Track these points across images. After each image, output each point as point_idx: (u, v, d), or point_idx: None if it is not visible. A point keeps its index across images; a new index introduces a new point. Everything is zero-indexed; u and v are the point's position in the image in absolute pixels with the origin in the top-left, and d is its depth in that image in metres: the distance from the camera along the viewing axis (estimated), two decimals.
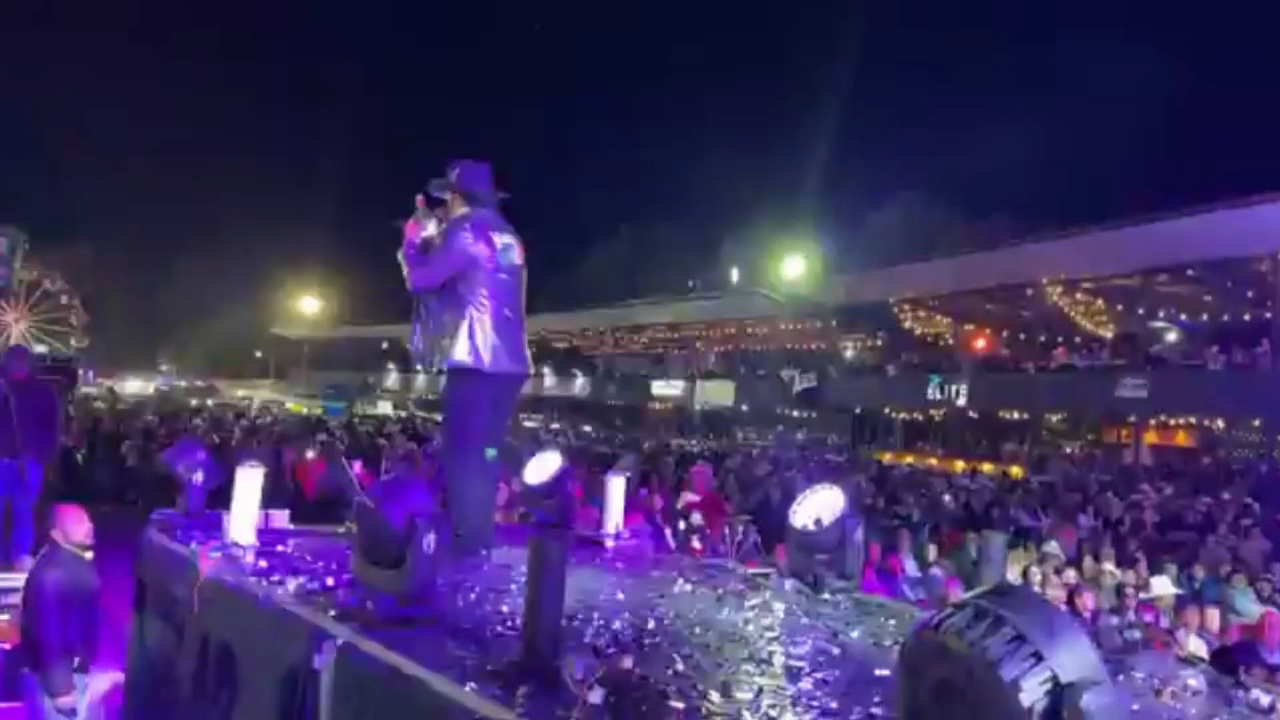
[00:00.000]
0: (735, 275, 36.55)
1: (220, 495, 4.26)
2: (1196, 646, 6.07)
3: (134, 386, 49.36)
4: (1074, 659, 1.35)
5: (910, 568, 8.54)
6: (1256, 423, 22.65)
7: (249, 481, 3.99)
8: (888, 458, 25.43)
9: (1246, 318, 22.74)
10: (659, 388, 39.23)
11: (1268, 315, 21.76)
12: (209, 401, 36.09)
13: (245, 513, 3.98)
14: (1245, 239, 18.20)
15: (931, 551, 9.45)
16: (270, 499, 4.58)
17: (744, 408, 36.26)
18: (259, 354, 65.28)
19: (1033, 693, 1.31)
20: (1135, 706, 2.64)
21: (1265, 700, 2.73)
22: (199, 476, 4.39)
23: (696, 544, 7.51)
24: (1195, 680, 2.89)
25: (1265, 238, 18.04)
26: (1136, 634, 3.14)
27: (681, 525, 8.22)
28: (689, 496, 9.18)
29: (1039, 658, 1.34)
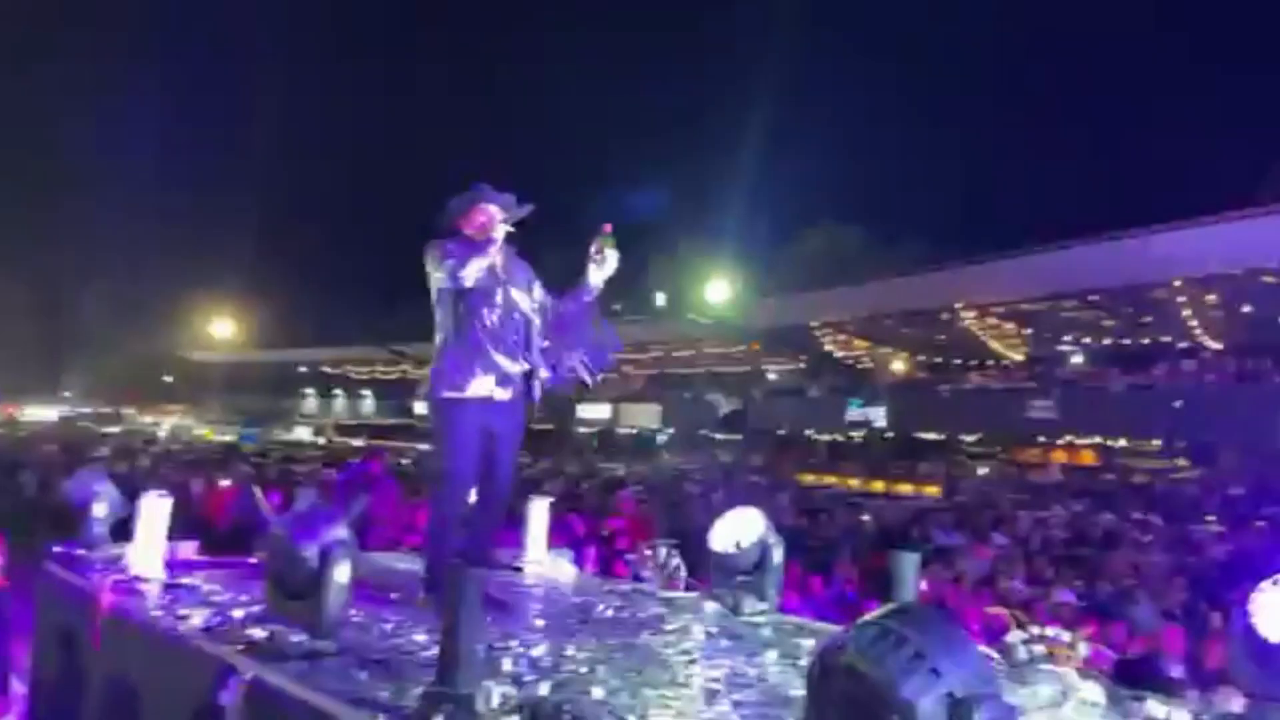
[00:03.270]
0: (661, 299, 36.79)
1: (125, 526, 4.12)
2: (1101, 661, 6.28)
3: (35, 413, 47.30)
4: (969, 674, 1.40)
5: (832, 588, 8.65)
6: (1156, 441, 23.66)
7: (155, 511, 3.87)
8: (810, 479, 25.80)
9: (1145, 341, 23.81)
10: (584, 411, 39.18)
11: (1164, 339, 22.81)
12: (114, 429, 34.74)
13: (150, 544, 3.85)
14: (1144, 267, 19.08)
15: (852, 572, 9.59)
16: (179, 530, 4.45)
17: (670, 431, 36.45)
18: (168, 378, 63.15)
19: (929, 709, 1.36)
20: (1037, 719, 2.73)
21: (1161, 712, 2.85)
22: (102, 507, 4.23)
23: (620, 568, 7.51)
24: (1095, 693, 3.00)
25: (1162, 266, 18.94)
26: (1040, 648, 3.25)
27: (605, 550, 8.20)
28: (614, 521, 9.18)
29: (936, 674, 1.38)
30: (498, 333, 3.99)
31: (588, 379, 4.34)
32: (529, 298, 4.14)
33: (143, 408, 55.44)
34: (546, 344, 4.17)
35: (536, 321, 4.14)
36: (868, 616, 1.54)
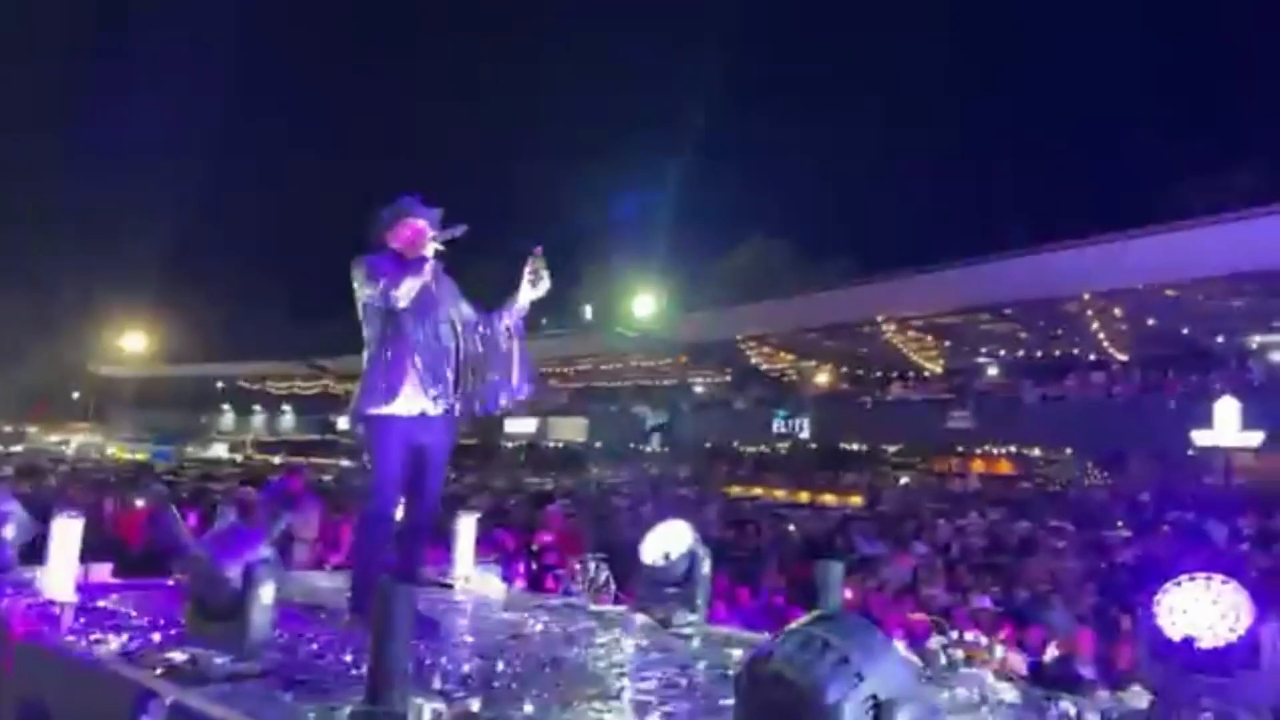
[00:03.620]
0: (588, 312, 36.80)
1: (34, 548, 3.97)
2: (1017, 663, 6.48)
3: None
4: (891, 677, 1.46)
5: (759, 597, 8.76)
6: (1069, 450, 24.51)
7: (66, 532, 3.74)
8: (736, 490, 26.04)
9: (1057, 354, 24.68)
10: (511, 426, 38.90)
11: (1075, 351, 23.67)
12: (18, 448, 33.27)
13: (63, 567, 3.72)
14: (1055, 281, 19.79)
15: (779, 582, 9.73)
16: (91, 552, 4.30)
17: (597, 444, 36.41)
18: (76, 395, 60.73)
19: (854, 711, 1.41)
20: None
21: (1072, 711, 2.97)
22: (9, 529, 4.07)
23: (550, 583, 7.49)
24: (1011, 695, 3.11)
25: (1071, 280, 19.67)
26: (959, 653, 3.37)
27: (534, 565, 8.17)
28: (543, 536, 9.15)
29: (860, 678, 1.43)
30: (426, 349, 3.95)
31: (501, 405, 4.26)
32: (457, 314, 4.12)
33: (49, 426, 53.16)
34: (473, 363, 4.13)
35: (463, 339, 4.11)
36: (793, 625, 1.59)
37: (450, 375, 4.04)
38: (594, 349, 34.70)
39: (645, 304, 31.92)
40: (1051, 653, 7.28)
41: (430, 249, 3.94)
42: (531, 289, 4.13)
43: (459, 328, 4.10)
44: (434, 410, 3.95)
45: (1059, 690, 3.47)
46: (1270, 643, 2.75)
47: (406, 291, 3.84)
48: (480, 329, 4.17)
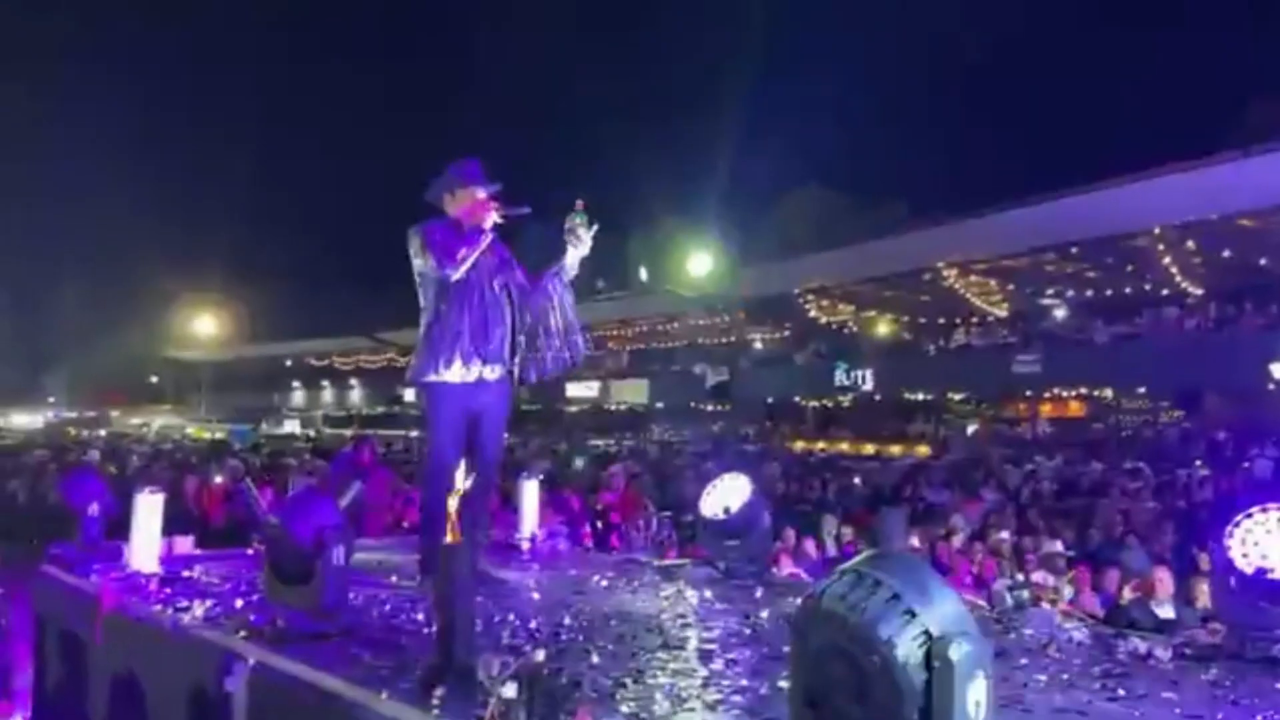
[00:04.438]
0: (643, 274, 36.72)
1: (120, 525, 4.15)
2: (1091, 604, 6.40)
3: (21, 420, 47.02)
4: (944, 613, 1.46)
5: (826, 549, 8.76)
6: (1142, 390, 23.84)
7: (148, 508, 3.91)
8: (800, 445, 25.93)
9: (1128, 291, 23.91)
10: (573, 390, 39.18)
11: (1146, 288, 22.92)
12: (102, 431, 34.56)
13: (146, 541, 3.89)
14: (1123, 216, 19.13)
15: (846, 533, 9.72)
16: (175, 526, 4.48)
17: (658, 405, 36.51)
18: (154, 379, 62.83)
19: (906, 647, 1.41)
20: (1024, 660, 2.81)
21: (1142, 648, 2.93)
22: (95, 507, 4.26)
23: (615, 541, 7.59)
24: (1078, 634, 3.08)
25: (1140, 215, 18.98)
26: (1025, 594, 3.34)
27: (599, 525, 8.28)
28: (606, 496, 9.25)
29: (912, 614, 1.44)
30: (481, 316, 3.97)
31: (554, 369, 4.27)
32: (511, 281, 4.12)
33: (129, 409, 55.16)
34: (528, 329, 4.15)
35: (518, 305, 4.12)
36: (845, 565, 1.59)
37: (506, 341, 4.06)
38: (651, 310, 34.66)
39: (701, 262, 31.74)
40: (1128, 594, 7.17)
41: (489, 221, 3.95)
42: (574, 249, 4.13)
43: (513, 294, 4.11)
44: (490, 376, 3.99)
45: (1135, 630, 3.43)
46: None
47: (460, 264, 3.88)
48: (532, 294, 4.18)
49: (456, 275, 3.89)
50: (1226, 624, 2.90)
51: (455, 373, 3.92)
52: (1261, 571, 2.70)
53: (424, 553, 3.97)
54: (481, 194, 4.02)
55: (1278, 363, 18.63)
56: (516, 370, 4.13)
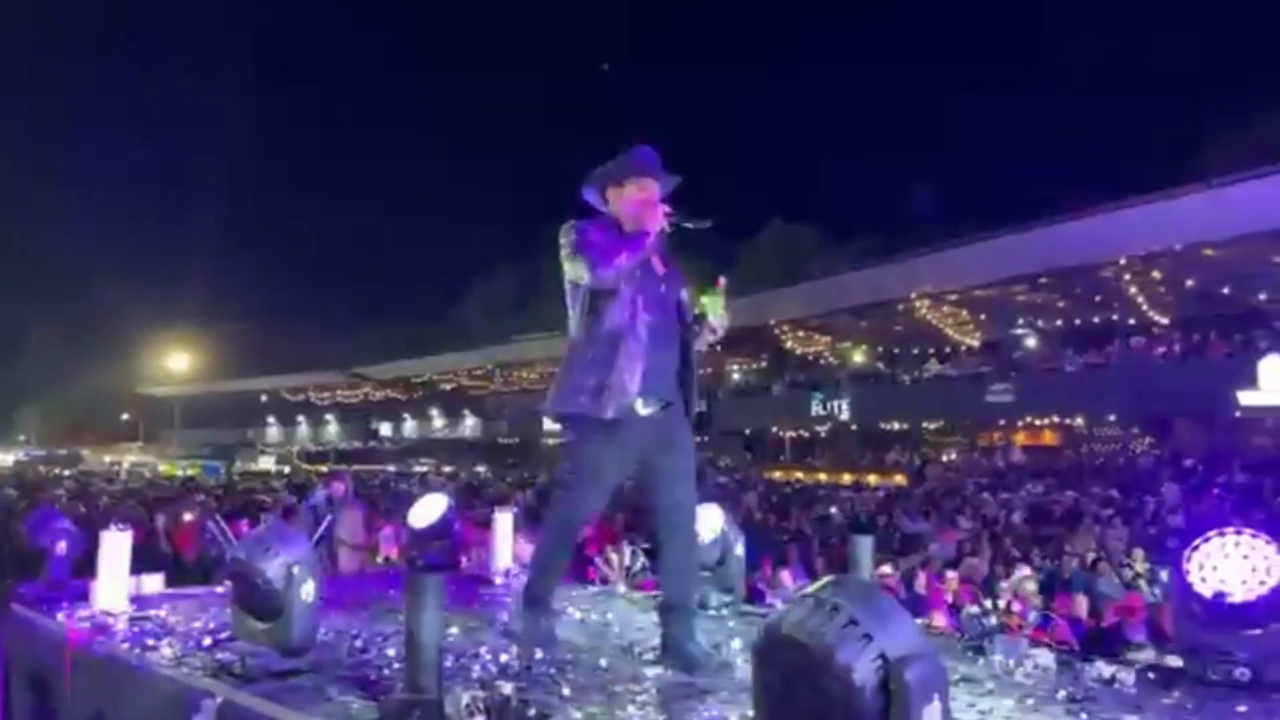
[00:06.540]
0: None
1: (89, 563, 4.11)
2: (1064, 631, 6.45)
3: None
4: (900, 637, 1.49)
5: (800, 580, 8.78)
6: (1112, 418, 24.12)
7: (116, 546, 3.87)
8: (778, 475, 25.99)
9: (1097, 320, 24.26)
10: (550, 423, 39.07)
11: (1114, 317, 23.27)
12: (67, 471, 34.06)
13: (114, 579, 3.85)
14: (1090, 247, 19.48)
15: (820, 563, 9.75)
16: (144, 564, 4.44)
17: None
18: (126, 416, 62.11)
19: (864, 671, 1.44)
20: (991, 686, 2.84)
21: (1107, 672, 2.97)
22: (62, 546, 4.21)
23: (590, 573, 7.56)
24: (1045, 659, 3.12)
25: (1107, 245, 19.33)
26: (993, 620, 3.38)
27: (575, 556, 8.24)
28: (584, 530, 9.22)
29: (869, 638, 1.47)
30: (652, 338, 3.24)
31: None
32: (681, 299, 3.44)
33: (102, 447, 54.41)
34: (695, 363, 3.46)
35: (688, 330, 3.43)
36: (804, 591, 1.62)
37: (675, 370, 3.35)
38: None
39: None
40: (1102, 620, 7.24)
41: (657, 225, 3.23)
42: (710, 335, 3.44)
43: (683, 314, 3.42)
44: (648, 409, 3.27)
45: (1105, 656, 3.47)
46: None
47: (617, 273, 3.18)
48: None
49: (609, 284, 3.18)
50: (1187, 648, 2.94)
51: (606, 403, 3.16)
52: (1220, 595, 2.75)
53: (526, 592, 3.46)
54: (653, 188, 3.35)
55: (1243, 390, 18.93)
56: (693, 407, 3.39)
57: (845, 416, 29.10)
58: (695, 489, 3.38)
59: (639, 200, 3.31)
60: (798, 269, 30.20)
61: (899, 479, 23.62)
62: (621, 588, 4.78)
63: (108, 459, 47.08)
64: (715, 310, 3.36)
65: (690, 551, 3.39)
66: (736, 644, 3.39)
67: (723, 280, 3.37)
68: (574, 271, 3.26)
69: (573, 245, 3.26)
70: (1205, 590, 2.78)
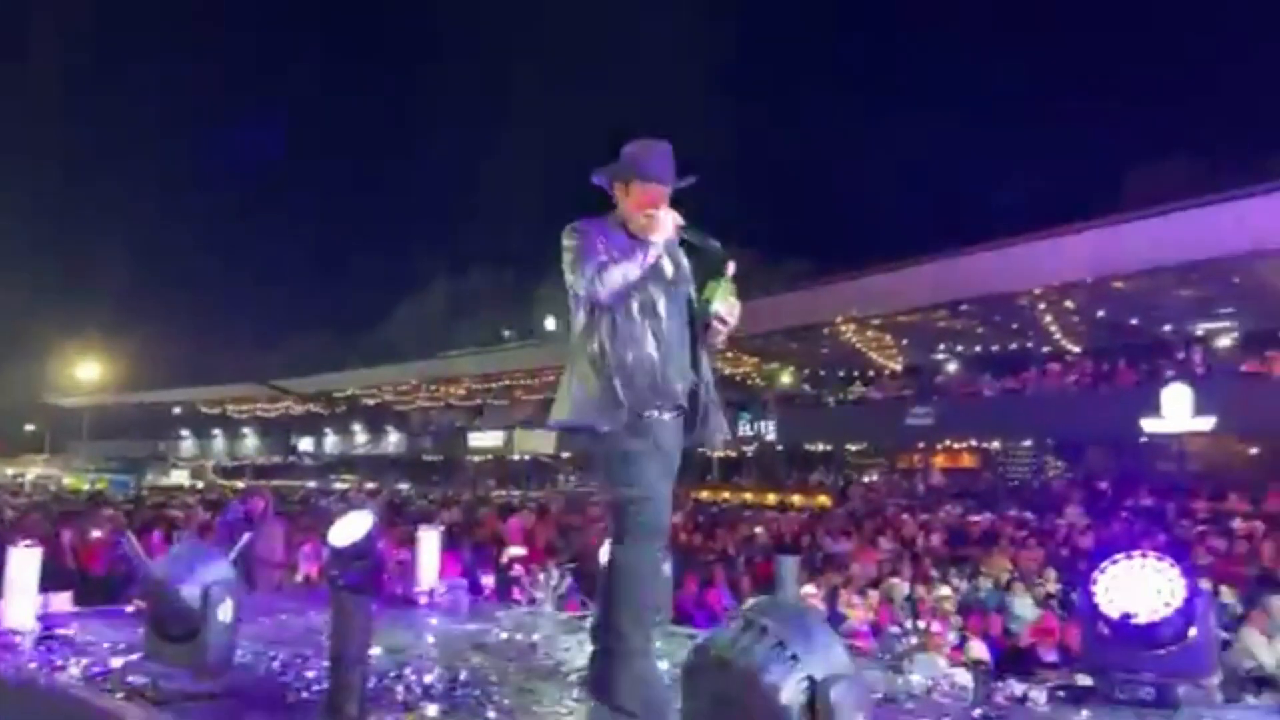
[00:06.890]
0: (551, 323, 36.77)
1: None
2: (980, 651, 6.62)
3: None
4: (826, 658, 1.53)
5: (726, 599, 8.84)
6: (1028, 442, 24.89)
7: (24, 563, 3.72)
8: (705, 495, 26.13)
9: (1013, 347, 25.04)
10: (476, 440, 38.70)
11: (1029, 345, 24.06)
12: None
13: (21, 597, 3.69)
14: (1007, 277, 20.14)
15: (745, 583, 9.83)
16: (51, 582, 4.26)
17: (564, 455, 36.35)
18: (31, 427, 59.52)
19: (790, 691, 1.48)
20: (910, 705, 2.91)
21: (1019, 691, 3.06)
22: None
23: (517, 594, 7.50)
24: (963, 678, 3.21)
25: (1023, 275, 20.02)
26: (914, 640, 3.46)
27: (501, 576, 8.18)
28: (512, 550, 9.16)
29: (795, 659, 1.50)
30: (658, 341, 3.05)
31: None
32: (691, 300, 3.20)
33: (4, 459, 52.02)
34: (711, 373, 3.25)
35: (703, 336, 3.19)
36: (732, 612, 1.65)
37: (687, 375, 3.14)
38: (558, 359, 34.62)
39: None
40: (1017, 639, 7.45)
41: (662, 234, 3.01)
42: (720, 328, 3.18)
43: (694, 317, 3.17)
44: (673, 419, 3.11)
45: (1019, 675, 3.58)
46: (1203, 614, 2.87)
47: (617, 281, 2.96)
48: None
49: (605, 295, 2.96)
50: (1096, 667, 3.05)
51: (622, 412, 2.98)
52: (1126, 616, 2.86)
53: (610, 628, 2.89)
54: (662, 195, 3.10)
55: (1148, 418, 19.73)
56: (711, 432, 3.23)
57: (771, 437, 29.44)
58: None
59: (645, 207, 3.07)
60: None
61: (823, 499, 23.96)
62: (548, 608, 4.75)
63: (10, 471, 45.05)
64: (724, 296, 3.10)
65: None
66: (664, 664, 3.40)
67: (732, 266, 3.09)
68: (576, 284, 3.05)
69: (575, 253, 3.03)
70: (1112, 611, 2.90)
